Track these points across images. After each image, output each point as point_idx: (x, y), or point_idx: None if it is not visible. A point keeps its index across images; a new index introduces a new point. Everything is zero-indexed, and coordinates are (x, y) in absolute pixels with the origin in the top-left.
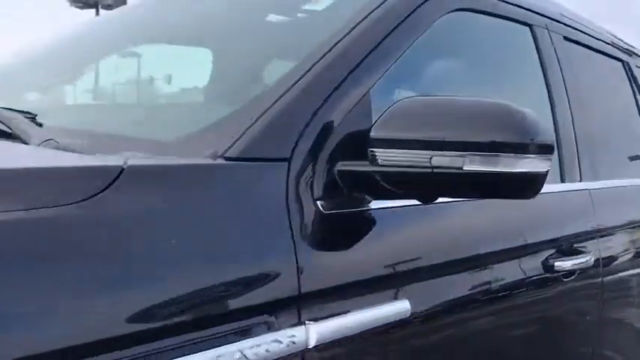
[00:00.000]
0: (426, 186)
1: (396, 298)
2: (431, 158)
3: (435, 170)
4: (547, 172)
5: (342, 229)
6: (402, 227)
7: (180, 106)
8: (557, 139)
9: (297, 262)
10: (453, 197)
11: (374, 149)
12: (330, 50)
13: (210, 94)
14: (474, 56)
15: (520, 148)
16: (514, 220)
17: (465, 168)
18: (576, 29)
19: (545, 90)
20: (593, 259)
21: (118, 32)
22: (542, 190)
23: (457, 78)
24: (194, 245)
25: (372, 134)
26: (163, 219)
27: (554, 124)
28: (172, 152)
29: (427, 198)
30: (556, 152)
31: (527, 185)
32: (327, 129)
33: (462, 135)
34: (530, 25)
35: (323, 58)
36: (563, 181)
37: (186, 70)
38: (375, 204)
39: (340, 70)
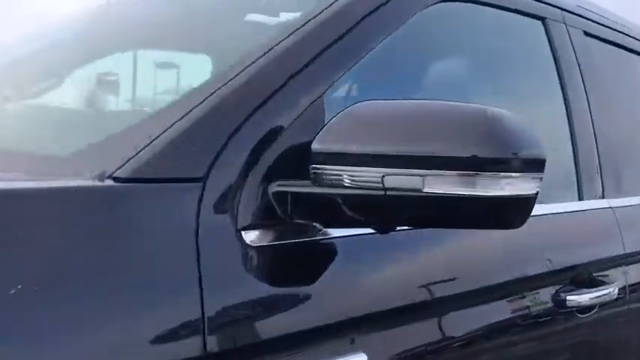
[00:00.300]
0: (380, 212)
1: (349, 349)
2: (383, 177)
3: (388, 193)
4: (536, 194)
5: (276, 266)
6: (357, 262)
7: (87, 114)
8: (574, 149)
9: (202, 313)
10: (414, 226)
11: (316, 166)
12: (275, 46)
13: (122, 102)
14: (468, 56)
15: (499, 165)
16: (514, 248)
17: (425, 190)
18: (599, 23)
19: (561, 94)
20: (617, 290)
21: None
22: (554, 210)
23: (445, 82)
24: (53, 296)
25: (315, 147)
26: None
27: (571, 132)
28: (65, 171)
29: (383, 226)
30: (573, 165)
31: (510, 212)
32: (262, 142)
33: (422, 148)
34: (542, 19)
35: (265, 55)
36: (581, 198)
37: (103, 75)
38: (323, 233)
39: (284, 69)
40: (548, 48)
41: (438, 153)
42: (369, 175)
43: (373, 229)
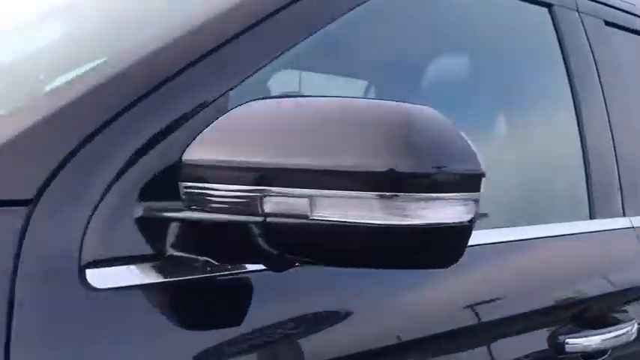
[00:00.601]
0: (264, 244)
1: None
2: (262, 199)
3: (268, 220)
4: (471, 222)
5: (133, 317)
6: (254, 307)
7: None
8: (585, 159)
9: None
10: (307, 263)
11: (187, 183)
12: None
13: None
14: (453, 51)
15: (417, 182)
16: (507, 279)
17: (313, 217)
18: (624, 10)
19: (571, 96)
20: (635, 329)
21: None
22: (559, 232)
23: (413, 83)
24: None
25: (185, 159)
26: None
27: (582, 139)
28: None
29: (271, 262)
30: (584, 178)
31: (433, 246)
32: (130, 154)
33: (311, 160)
34: (549, 5)
35: (141, 50)
36: (593, 217)
37: None
38: (208, 270)
39: (173, 59)
40: (556, 41)
41: (332, 166)
42: (246, 195)
43: (263, 264)
